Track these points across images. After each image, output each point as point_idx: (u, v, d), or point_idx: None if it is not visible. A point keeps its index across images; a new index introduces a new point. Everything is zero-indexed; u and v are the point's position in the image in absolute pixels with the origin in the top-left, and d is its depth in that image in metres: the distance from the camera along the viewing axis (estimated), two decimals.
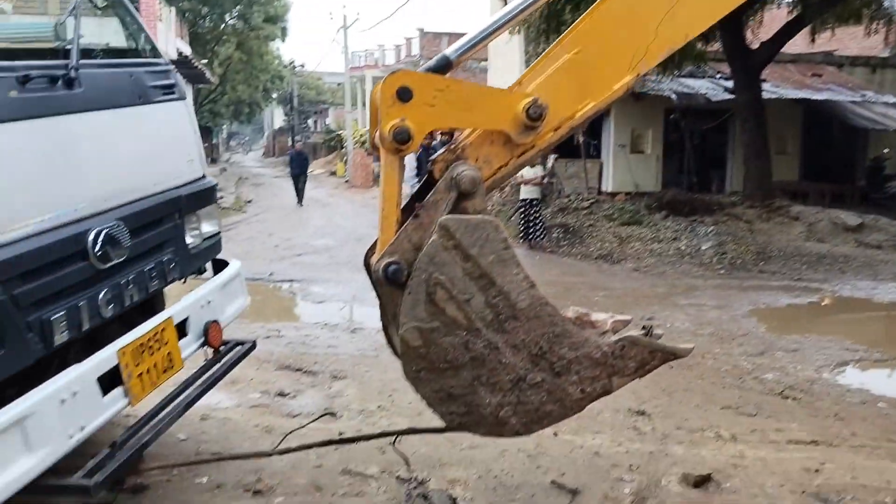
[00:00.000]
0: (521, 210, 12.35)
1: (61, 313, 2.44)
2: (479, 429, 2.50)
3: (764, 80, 14.45)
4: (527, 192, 12.18)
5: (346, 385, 5.22)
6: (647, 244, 12.18)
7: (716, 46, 13.99)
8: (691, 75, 15.68)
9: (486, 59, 19.99)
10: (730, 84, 14.82)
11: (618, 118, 15.45)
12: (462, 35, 2.53)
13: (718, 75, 15.97)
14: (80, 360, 2.52)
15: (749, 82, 13.83)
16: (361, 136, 26.95)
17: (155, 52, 3.42)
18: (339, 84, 44.99)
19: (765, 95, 14.36)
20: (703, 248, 11.82)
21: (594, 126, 15.34)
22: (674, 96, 14.78)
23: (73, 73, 2.65)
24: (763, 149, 14.06)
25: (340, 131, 33.16)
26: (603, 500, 3.53)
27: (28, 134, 2.44)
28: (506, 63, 16.22)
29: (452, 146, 2.50)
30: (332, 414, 4.57)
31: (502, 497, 3.54)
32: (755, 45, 13.99)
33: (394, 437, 3.18)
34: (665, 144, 16.34)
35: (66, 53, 2.82)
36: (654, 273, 10.80)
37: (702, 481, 3.72)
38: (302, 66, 48.44)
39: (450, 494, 3.53)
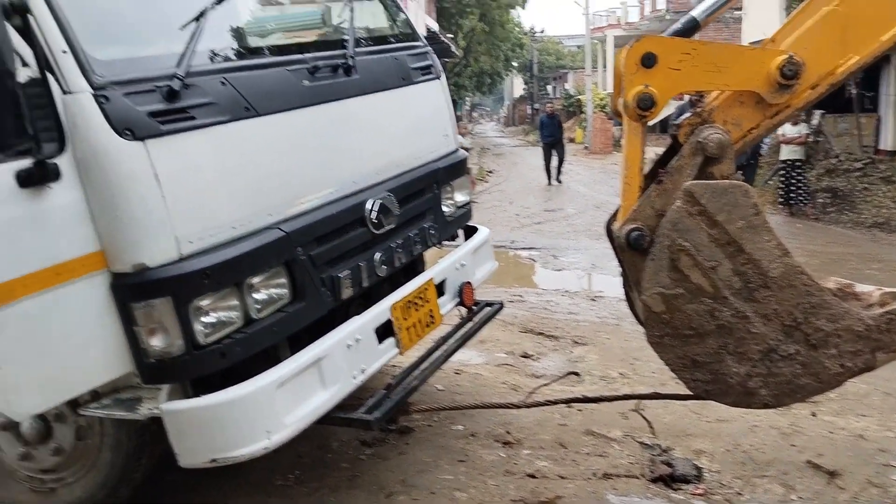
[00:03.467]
0: (782, 172, 11.36)
1: (347, 272, 2.85)
2: (725, 398, 2.46)
3: None
4: (788, 153, 11.20)
5: (588, 351, 5.32)
6: None
7: None
8: None
9: (740, 9, 18.43)
10: None
11: None
12: None
13: None
14: (358, 314, 2.92)
15: None
16: (601, 99, 26.30)
17: (414, 35, 3.73)
18: (578, 47, 44.31)
19: None
20: None
21: (870, 76, 13.46)
22: None
23: (350, 62, 3.03)
24: None
25: (580, 96, 32.69)
26: (866, 485, 3.27)
27: (317, 117, 2.86)
28: (763, 13, 14.83)
29: (699, 109, 2.46)
30: (577, 374, 4.70)
31: (751, 472, 3.43)
32: None
33: (637, 402, 3.23)
34: None
35: (333, 44, 3.17)
36: None
37: None
38: (542, 31, 48.50)
39: (695, 464, 3.50)
